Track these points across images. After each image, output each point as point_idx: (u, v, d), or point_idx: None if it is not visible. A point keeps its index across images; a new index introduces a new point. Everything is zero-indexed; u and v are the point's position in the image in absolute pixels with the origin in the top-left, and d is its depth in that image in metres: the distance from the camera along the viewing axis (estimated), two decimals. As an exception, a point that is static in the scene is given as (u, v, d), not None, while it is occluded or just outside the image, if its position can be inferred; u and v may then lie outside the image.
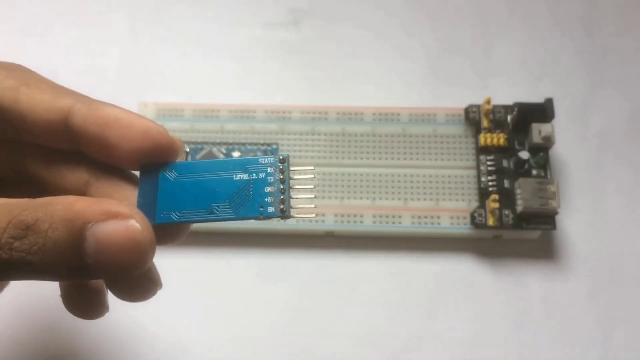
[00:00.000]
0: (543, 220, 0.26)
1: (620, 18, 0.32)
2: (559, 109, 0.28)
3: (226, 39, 0.32)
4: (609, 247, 0.27)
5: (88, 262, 0.15)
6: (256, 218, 0.16)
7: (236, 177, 0.16)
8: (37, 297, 0.27)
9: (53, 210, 0.15)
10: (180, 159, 0.27)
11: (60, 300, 0.19)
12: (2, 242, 0.14)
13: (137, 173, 0.17)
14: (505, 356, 0.26)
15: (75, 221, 0.15)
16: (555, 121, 0.27)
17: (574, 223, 0.28)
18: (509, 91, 0.28)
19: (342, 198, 0.27)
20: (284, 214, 0.16)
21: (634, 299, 0.27)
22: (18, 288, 0.19)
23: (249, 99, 0.30)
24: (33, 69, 0.18)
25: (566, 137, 0.29)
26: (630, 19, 0.32)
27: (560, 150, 0.29)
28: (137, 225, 0.15)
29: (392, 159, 0.28)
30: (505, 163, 0.27)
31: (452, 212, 0.27)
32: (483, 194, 0.27)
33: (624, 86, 0.30)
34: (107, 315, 0.25)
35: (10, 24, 0.32)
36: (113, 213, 0.15)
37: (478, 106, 0.28)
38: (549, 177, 0.27)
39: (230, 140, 0.28)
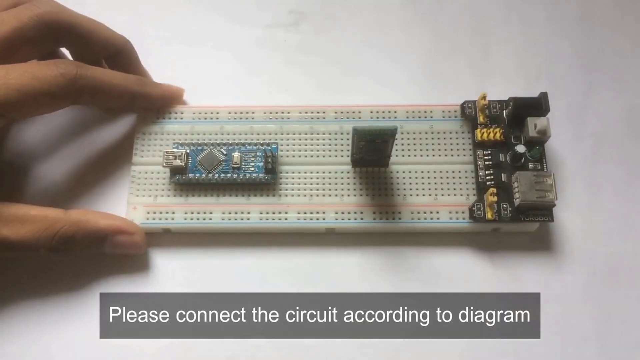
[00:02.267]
0: (540, 212, 0.26)
1: (617, 18, 0.32)
2: (555, 109, 0.28)
3: (227, 40, 0.32)
4: (606, 241, 0.28)
5: (106, 252, 0.26)
6: None
7: None
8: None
9: (86, 227, 0.25)
10: (180, 160, 0.27)
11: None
12: (53, 244, 0.24)
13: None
14: (502, 349, 0.26)
15: (100, 233, 0.25)
16: (551, 120, 0.27)
17: (570, 217, 0.28)
18: (505, 92, 0.28)
19: (342, 196, 0.28)
20: None
21: (630, 291, 0.27)
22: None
23: (250, 100, 0.30)
24: None
25: (562, 136, 0.29)
26: (627, 19, 0.32)
27: (557, 149, 0.29)
28: (138, 238, 0.26)
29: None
30: (502, 157, 0.28)
31: (451, 206, 0.27)
32: (481, 188, 0.27)
33: (620, 87, 0.31)
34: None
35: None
36: (124, 230, 0.26)
37: (474, 102, 0.29)
38: (545, 170, 0.27)
39: (230, 141, 0.28)
